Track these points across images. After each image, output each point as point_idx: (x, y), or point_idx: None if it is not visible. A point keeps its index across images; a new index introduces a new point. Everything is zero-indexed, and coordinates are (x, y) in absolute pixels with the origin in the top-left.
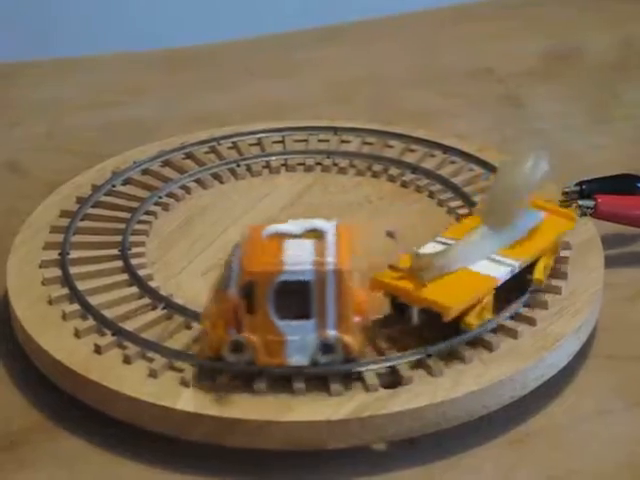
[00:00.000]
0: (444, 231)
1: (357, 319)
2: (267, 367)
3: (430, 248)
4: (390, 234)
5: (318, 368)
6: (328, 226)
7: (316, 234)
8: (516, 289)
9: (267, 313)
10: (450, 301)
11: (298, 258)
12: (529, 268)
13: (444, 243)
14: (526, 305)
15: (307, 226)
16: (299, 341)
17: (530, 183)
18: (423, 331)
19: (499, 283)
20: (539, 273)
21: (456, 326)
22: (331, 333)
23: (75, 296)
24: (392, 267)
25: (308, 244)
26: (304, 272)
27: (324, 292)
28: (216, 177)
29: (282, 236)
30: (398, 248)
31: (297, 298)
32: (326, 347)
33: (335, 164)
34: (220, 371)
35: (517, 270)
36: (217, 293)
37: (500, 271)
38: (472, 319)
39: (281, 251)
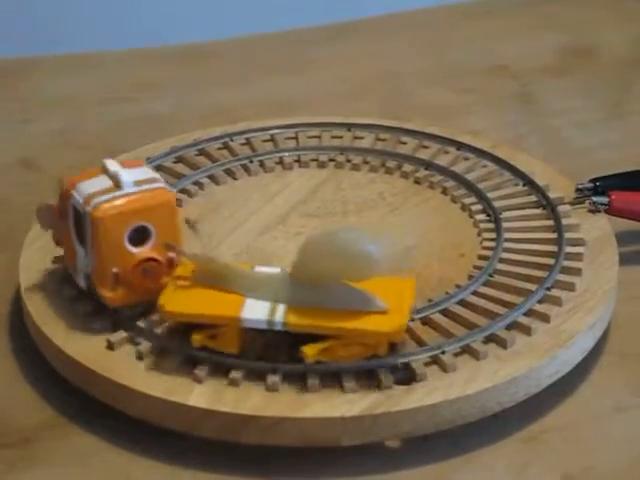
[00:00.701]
0: None
1: (116, 270)
2: (277, 363)
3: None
4: (189, 223)
5: (331, 365)
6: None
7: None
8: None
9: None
10: (176, 304)
11: (85, 190)
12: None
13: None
14: (540, 302)
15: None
16: (81, 259)
17: (359, 263)
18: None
19: (239, 321)
20: (312, 349)
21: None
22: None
23: (88, 292)
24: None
25: (107, 182)
26: (79, 203)
27: (85, 231)
28: (229, 173)
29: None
30: (198, 239)
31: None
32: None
33: (349, 160)
34: (233, 367)
35: (276, 327)
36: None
37: (254, 314)
38: (197, 336)
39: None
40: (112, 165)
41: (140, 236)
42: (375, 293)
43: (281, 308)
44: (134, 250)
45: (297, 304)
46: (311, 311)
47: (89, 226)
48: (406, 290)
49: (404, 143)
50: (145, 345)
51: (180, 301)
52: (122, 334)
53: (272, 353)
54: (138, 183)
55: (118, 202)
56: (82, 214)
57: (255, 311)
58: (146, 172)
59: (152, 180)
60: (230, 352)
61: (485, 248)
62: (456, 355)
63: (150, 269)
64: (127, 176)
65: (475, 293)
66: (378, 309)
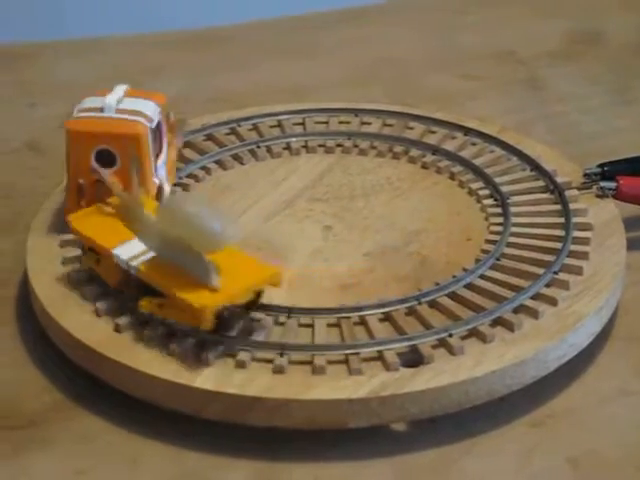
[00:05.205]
0: None
1: (81, 181)
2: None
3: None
4: (135, 162)
5: (338, 346)
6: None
7: None
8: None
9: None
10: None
11: (83, 104)
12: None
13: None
14: (547, 285)
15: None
16: None
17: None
18: None
19: (111, 254)
20: (148, 302)
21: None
22: None
23: (95, 276)
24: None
25: (101, 103)
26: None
27: None
28: (236, 158)
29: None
30: (136, 179)
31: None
32: None
33: (356, 146)
34: (240, 349)
35: (131, 271)
36: None
37: (122, 253)
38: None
39: None
40: (117, 90)
41: (109, 159)
42: (225, 269)
43: (147, 257)
44: (99, 168)
45: (161, 257)
46: (163, 268)
47: None
48: (260, 279)
49: (411, 128)
50: (152, 328)
51: (86, 222)
52: (129, 317)
53: None
54: (120, 111)
55: (87, 121)
56: None
57: (126, 251)
58: (143, 105)
59: (136, 113)
60: (109, 283)
61: (492, 232)
62: (463, 338)
63: (102, 186)
64: (112, 102)
65: (482, 277)
66: (210, 284)
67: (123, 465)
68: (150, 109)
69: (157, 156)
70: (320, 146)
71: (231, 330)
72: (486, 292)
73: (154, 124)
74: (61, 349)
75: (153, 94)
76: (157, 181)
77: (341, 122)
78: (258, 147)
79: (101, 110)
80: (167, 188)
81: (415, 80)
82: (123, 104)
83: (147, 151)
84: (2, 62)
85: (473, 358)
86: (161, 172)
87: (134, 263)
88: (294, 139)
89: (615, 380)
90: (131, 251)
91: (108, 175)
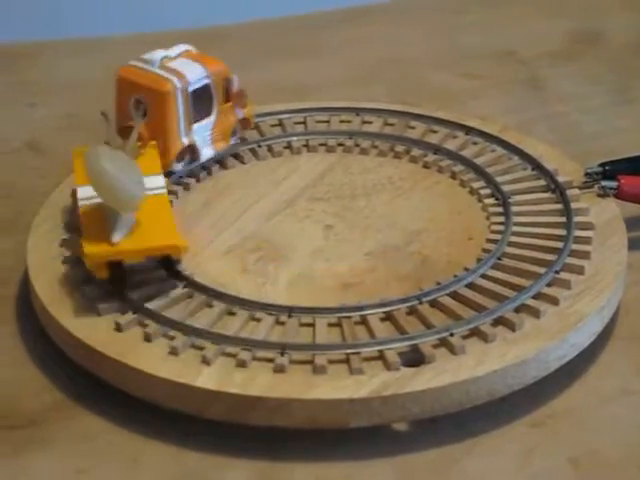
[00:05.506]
0: None
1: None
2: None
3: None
4: (104, 115)
5: (339, 346)
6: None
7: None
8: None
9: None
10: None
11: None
12: None
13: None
14: (549, 285)
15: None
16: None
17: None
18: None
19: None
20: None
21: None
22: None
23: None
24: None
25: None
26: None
27: None
28: (237, 157)
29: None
30: (109, 130)
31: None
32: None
33: (357, 145)
34: (242, 349)
35: (77, 211)
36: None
37: (81, 193)
38: None
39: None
40: (173, 48)
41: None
42: (140, 227)
43: (95, 202)
44: (133, 114)
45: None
46: (98, 213)
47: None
48: (159, 246)
49: (413, 128)
50: (153, 327)
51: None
52: (130, 316)
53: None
54: (164, 68)
55: (132, 70)
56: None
57: (85, 192)
58: (189, 68)
59: (176, 73)
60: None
61: (494, 232)
62: (465, 337)
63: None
64: (158, 58)
65: (484, 276)
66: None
67: (124, 465)
68: (194, 73)
69: (198, 119)
70: (321, 145)
71: (126, 287)
72: (487, 291)
73: (193, 87)
74: (61, 348)
75: (211, 60)
76: (186, 141)
77: (342, 121)
78: (259, 146)
79: (149, 63)
80: (208, 151)
81: (417, 79)
82: (173, 62)
83: (172, 109)
84: (2, 62)
85: (474, 358)
86: (199, 135)
87: (82, 203)
88: (295, 138)
89: (617, 380)
90: (89, 193)
91: (139, 124)
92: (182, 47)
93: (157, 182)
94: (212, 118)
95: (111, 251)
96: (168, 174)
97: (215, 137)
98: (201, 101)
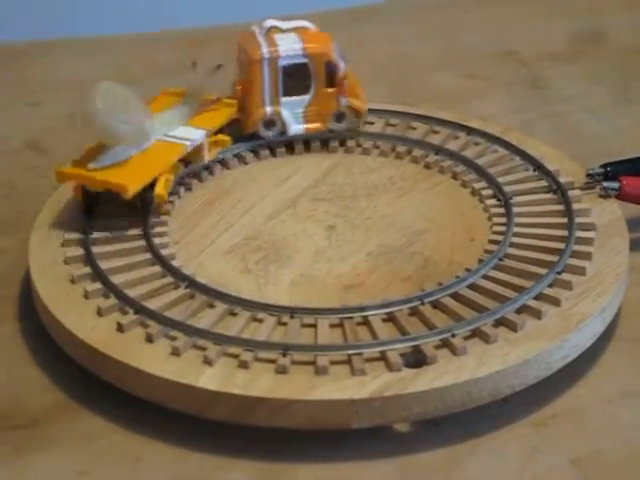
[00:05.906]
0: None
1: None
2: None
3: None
4: (194, 65)
5: (341, 347)
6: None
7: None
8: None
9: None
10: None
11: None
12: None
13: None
14: (550, 286)
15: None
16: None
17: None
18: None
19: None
20: (160, 188)
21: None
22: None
23: (97, 275)
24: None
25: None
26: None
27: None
28: (239, 158)
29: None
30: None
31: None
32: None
33: (359, 145)
34: (244, 349)
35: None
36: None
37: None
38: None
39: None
40: (287, 22)
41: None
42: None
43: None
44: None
45: None
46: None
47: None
48: (110, 183)
49: (414, 128)
50: (155, 327)
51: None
52: (132, 316)
53: None
54: (267, 38)
55: (246, 34)
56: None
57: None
58: (288, 43)
59: (273, 45)
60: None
61: (495, 232)
62: (466, 338)
63: None
64: (266, 27)
65: (485, 277)
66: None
67: (126, 465)
68: (290, 49)
69: (289, 94)
70: (323, 146)
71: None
72: (489, 292)
73: (285, 62)
74: (63, 348)
75: (318, 37)
76: (269, 110)
77: None
78: (261, 147)
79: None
80: (299, 128)
81: (418, 80)
82: (278, 35)
83: (257, 77)
84: (3, 61)
85: (476, 358)
86: (288, 109)
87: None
88: (297, 138)
89: (618, 381)
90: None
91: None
92: (299, 22)
93: (190, 134)
94: (307, 97)
95: (73, 173)
96: (256, 137)
97: (309, 117)
98: (296, 78)
